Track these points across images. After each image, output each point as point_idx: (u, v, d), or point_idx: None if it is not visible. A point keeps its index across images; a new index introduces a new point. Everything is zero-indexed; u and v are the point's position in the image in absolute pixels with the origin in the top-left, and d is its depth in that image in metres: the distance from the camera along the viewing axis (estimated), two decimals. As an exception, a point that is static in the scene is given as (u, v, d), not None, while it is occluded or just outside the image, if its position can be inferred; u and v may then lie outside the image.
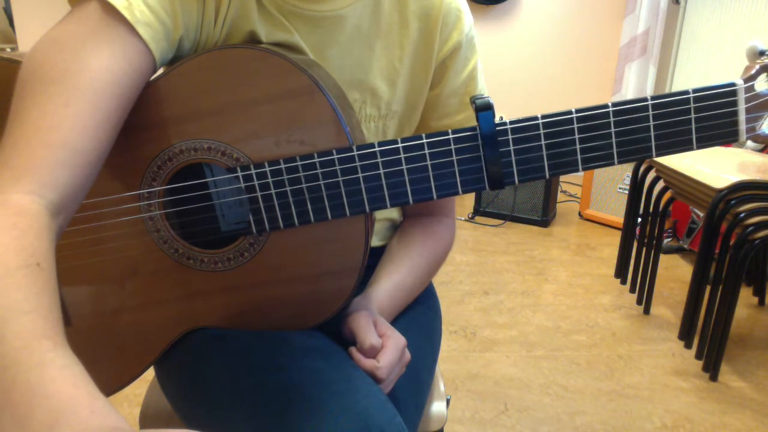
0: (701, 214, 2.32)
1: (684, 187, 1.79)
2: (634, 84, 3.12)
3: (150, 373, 0.84)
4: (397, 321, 0.73)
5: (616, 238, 2.43)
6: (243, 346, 0.62)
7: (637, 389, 1.63)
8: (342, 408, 0.54)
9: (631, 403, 1.56)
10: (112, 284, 0.63)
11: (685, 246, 2.49)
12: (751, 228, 1.54)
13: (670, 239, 2.60)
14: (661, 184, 1.99)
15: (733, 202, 1.56)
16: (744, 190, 1.57)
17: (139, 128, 0.58)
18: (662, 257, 2.35)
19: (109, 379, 0.66)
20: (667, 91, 3.13)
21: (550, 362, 1.75)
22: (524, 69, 3.36)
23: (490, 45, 3.35)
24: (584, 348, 1.84)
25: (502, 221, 2.95)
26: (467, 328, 1.94)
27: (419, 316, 0.77)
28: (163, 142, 0.59)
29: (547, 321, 2.00)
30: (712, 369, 1.67)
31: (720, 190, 1.57)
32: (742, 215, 1.55)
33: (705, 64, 2.87)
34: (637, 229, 2.14)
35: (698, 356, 1.76)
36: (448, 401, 0.82)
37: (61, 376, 0.34)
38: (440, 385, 0.83)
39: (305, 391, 0.56)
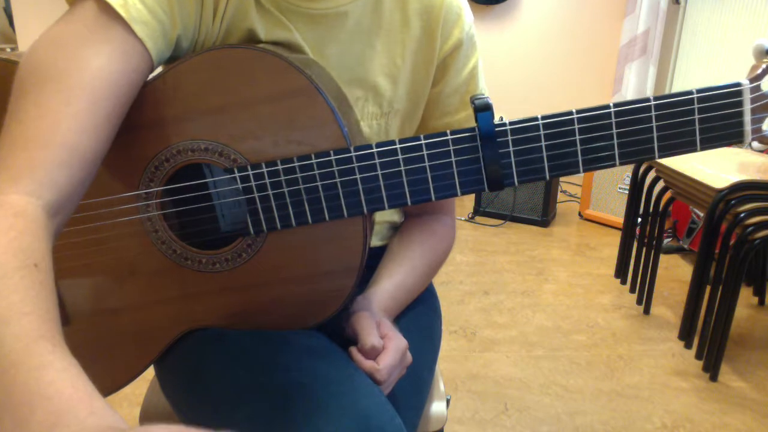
0: (701, 214, 2.32)
1: (684, 187, 1.79)
2: (634, 84, 3.12)
3: (150, 373, 0.84)
4: (397, 321, 0.73)
5: (616, 238, 2.43)
6: (243, 346, 0.62)
7: (637, 389, 1.63)
8: (342, 408, 0.54)
9: (631, 403, 1.56)
10: (110, 284, 0.63)
11: (685, 246, 2.49)
12: (751, 228, 1.54)
13: (670, 239, 2.60)
14: (661, 184, 1.99)
15: (733, 202, 1.56)
16: (744, 190, 1.56)
17: (137, 128, 0.58)
18: (662, 257, 2.35)
19: (107, 380, 0.66)
20: (667, 91, 3.13)
21: (550, 362, 1.75)
22: (524, 69, 3.36)
23: (490, 45, 3.35)
24: (584, 348, 1.84)
25: (502, 221, 2.95)
26: (467, 328, 1.94)
27: (419, 316, 0.77)
28: (161, 142, 0.59)
29: (547, 321, 2.00)
30: (712, 369, 1.67)
31: (720, 190, 1.57)
32: (742, 215, 1.55)
33: (705, 64, 2.87)
34: (637, 229, 2.14)
35: (698, 356, 1.76)
36: (448, 401, 0.82)
37: (60, 378, 0.34)
38: (440, 385, 0.83)
39: (305, 391, 0.56)
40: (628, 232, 2.22)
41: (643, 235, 2.10)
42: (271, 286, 0.63)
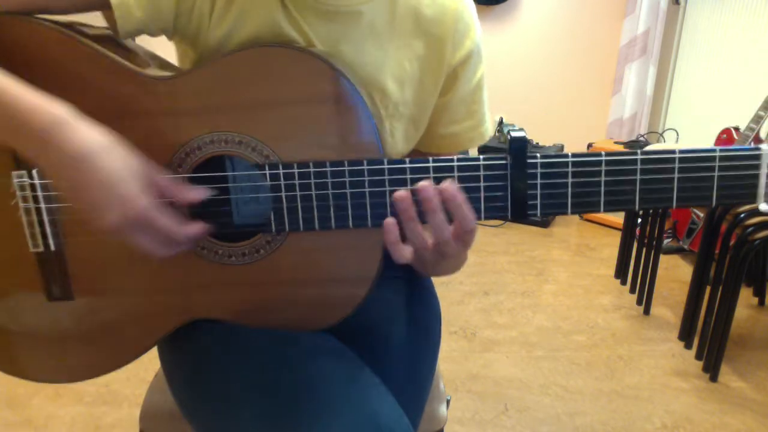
0: (701, 215, 2.32)
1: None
2: (634, 84, 3.12)
3: (150, 374, 0.84)
4: (396, 321, 0.73)
5: (616, 238, 2.44)
6: (251, 344, 0.62)
7: (637, 389, 1.63)
8: (351, 408, 0.54)
9: (631, 404, 1.57)
10: (122, 264, 0.63)
11: (685, 246, 2.49)
12: (751, 228, 1.54)
13: (670, 240, 2.60)
14: (661, 185, 1.99)
15: (733, 202, 1.56)
16: (744, 190, 1.56)
17: (173, 113, 0.59)
18: (662, 258, 2.35)
19: (106, 358, 0.66)
20: (667, 91, 3.13)
21: (550, 363, 1.75)
22: (524, 69, 3.36)
23: (490, 45, 3.34)
24: (584, 348, 1.84)
25: (502, 222, 2.95)
26: (467, 329, 1.94)
27: (419, 317, 0.78)
28: (195, 130, 0.59)
29: (547, 321, 2.00)
30: (712, 369, 1.67)
31: (720, 191, 1.57)
32: (742, 216, 1.56)
33: (705, 64, 2.86)
34: (637, 230, 2.14)
35: (698, 356, 1.76)
36: (448, 401, 0.82)
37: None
38: (440, 385, 0.83)
39: (315, 391, 0.56)
40: (628, 232, 2.23)
41: (643, 235, 2.10)
42: (283, 286, 0.63)
